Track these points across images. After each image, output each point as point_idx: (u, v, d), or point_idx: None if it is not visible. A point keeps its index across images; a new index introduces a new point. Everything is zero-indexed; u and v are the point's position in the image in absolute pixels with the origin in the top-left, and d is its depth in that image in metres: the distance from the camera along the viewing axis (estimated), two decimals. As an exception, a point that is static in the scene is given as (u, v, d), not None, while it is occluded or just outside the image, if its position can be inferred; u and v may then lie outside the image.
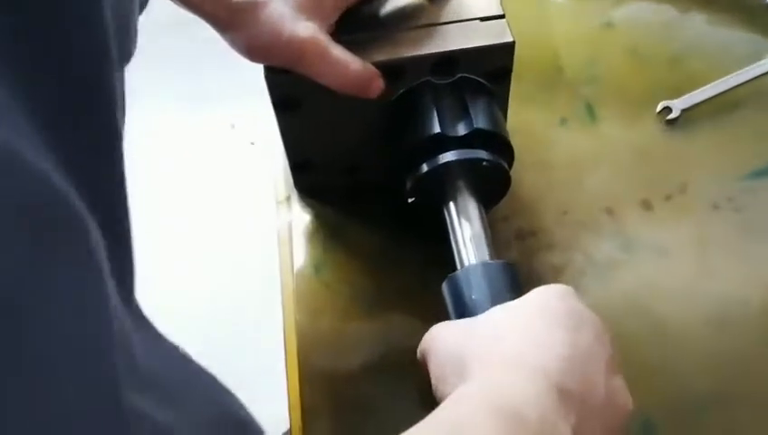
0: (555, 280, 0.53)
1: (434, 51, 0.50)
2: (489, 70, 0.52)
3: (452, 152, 0.49)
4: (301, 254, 0.55)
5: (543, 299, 0.40)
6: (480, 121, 0.50)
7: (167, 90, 1.76)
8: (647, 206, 0.57)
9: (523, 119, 0.62)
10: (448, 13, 0.52)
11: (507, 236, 0.56)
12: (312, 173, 0.58)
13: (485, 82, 0.52)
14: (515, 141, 0.60)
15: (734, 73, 0.62)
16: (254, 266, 1.24)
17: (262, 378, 0.86)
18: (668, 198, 0.58)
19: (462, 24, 0.51)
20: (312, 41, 0.46)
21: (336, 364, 0.50)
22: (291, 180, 0.59)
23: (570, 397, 0.35)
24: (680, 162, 0.59)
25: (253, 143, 1.64)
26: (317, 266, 0.54)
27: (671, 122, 0.61)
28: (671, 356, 0.50)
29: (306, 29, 0.46)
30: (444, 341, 0.40)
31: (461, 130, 0.49)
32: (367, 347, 0.50)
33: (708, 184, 0.58)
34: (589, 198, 0.58)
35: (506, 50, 0.51)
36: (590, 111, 0.63)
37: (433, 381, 0.40)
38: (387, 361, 0.49)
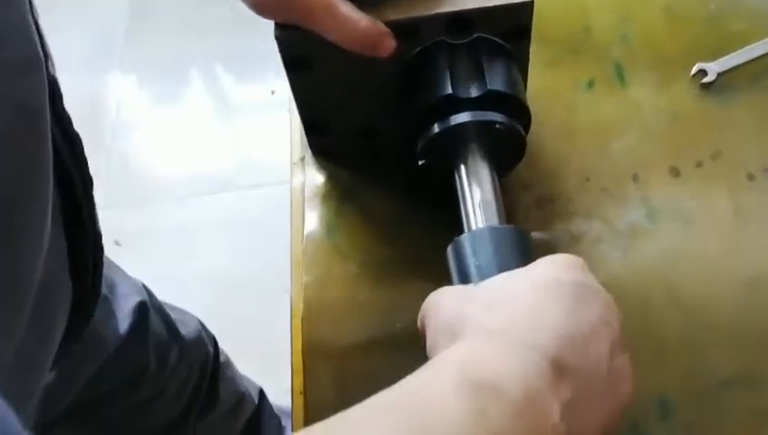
0: (573, 249, 0.52)
1: (449, 10, 0.48)
2: (507, 30, 0.49)
3: (464, 114, 0.47)
4: (313, 216, 0.54)
5: (550, 269, 0.38)
6: (495, 83, 0.48)
7: (211, 57, 1.77)
8: (675, 173, 0.55)
9: (548, 82, 0.59)
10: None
11: (527, 204, 0.54)
12: (327, 135, 0.57)
13: (503, 43, 0.50)
14: (538, 105, 0.58)
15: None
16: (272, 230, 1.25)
17: (270, 344, 0.87)
18: (699, 165, 0.55)
19: (478, -18, 0.49)
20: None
21: (341, 332, 0.49)
22: (306, 142, 0.58)
23: (565, 371, 0.33)
24: (714, 128, 0.56)
25: (289, 110, 1.64)
26: (329, 229, 0.54)
27: (706, 86, 0.58)
28: (693, 333, 0.48)
29: None
30: (440, 307, 0.39)
31: (474, 91, 0.48)
32: (374, 316, 0.49)
33: (743, 152, 0.55)
34: (614, 164, 0.55)
35: (525, 9, 0.48)
36: (620, 74, 0.60)
37: (427, 350, 0.38)
38: (393, 330, 0.48)
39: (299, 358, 0.47)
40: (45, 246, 0.38)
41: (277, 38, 0.49)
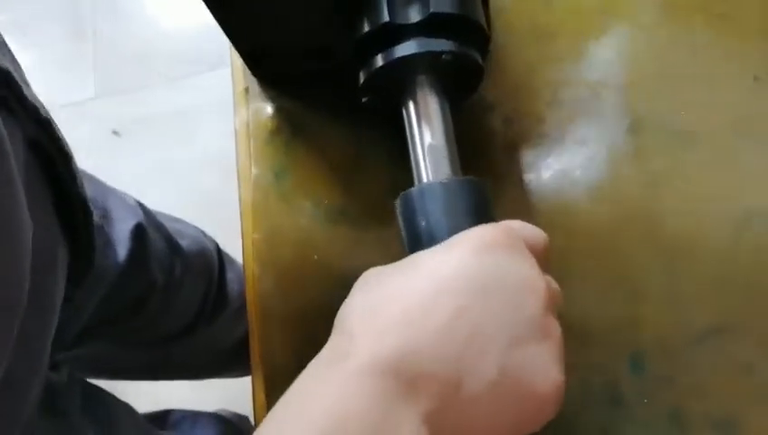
0: (542, 179, 0.47)
1: None
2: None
3: (405, 44, 0.41)
4: (260, 157, 0.50)
5: (458, 251, 0.33)
6: (438, 3, 0.41)
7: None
8: (666, 78, 0.48)
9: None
10: None
11: (490, 127, 0.48)
12: (269, 61, 0.51)
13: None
14: (504, 2, 0.51)
15: None
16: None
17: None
18: (695, 66, 0.47)
19: None
20: None
21: (295, 296, 0.45)
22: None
23: (429, 384, 0.30)
24: (714, 20, 0.48)
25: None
26: (277, 173, 0.49)
27: None
28: (673, 279, 0.43)
29: None
30: (352, 296, 0.35)
31: (414, 15, 0.41)
32: (329, 277, 0.45)
33: (749, 51, 0.47)
34: (594, 68, 0.49)
35: None
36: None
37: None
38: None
39: (255, 324, 0.45)
40: (30, 228, 0.38)
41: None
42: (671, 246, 0.44)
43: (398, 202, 0.40)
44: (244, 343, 0.82)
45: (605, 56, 0.49)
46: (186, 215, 0.88)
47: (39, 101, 0.44)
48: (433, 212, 0.38)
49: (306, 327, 0.45)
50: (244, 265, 0.47)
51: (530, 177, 0.47)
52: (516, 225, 0.35)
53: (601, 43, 0.50)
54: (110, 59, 1.59)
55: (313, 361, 0.32)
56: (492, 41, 0.46)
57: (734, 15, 0.48)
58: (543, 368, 0.31)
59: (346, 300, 0.35)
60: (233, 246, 0.93)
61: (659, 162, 0.46)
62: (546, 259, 0.36)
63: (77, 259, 0.50)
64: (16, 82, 0.41)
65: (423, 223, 0.39)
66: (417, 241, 0.38)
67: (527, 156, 0.47)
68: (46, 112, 0.44)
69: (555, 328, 0.33)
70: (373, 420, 0.28)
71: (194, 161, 1.48)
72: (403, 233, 0.40)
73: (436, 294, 0.32)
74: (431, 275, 0.33)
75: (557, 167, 0.47)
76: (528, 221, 0.37)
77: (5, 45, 0.43)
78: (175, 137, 1.51)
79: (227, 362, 0.97)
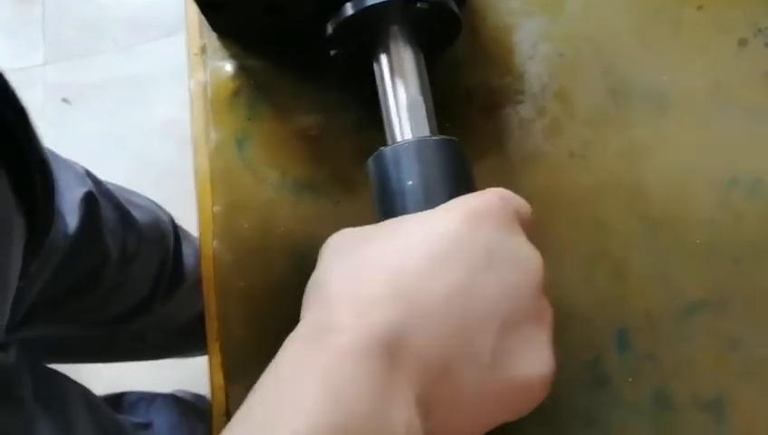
0: (524, 139, 0.44)
1: None
2: None
3: (377, -9, 0.38)
4: (220, 122, 0.46)
5: (451, 222, 0.31)
6: (414, -53, 0.37)
7: None
8: (648, 38, 0.45)
9: None
10: None
11: (467, 86, 0.45)
12: (226, 12, 0.47)
13: None
14: (482, -45, 0.47)
15: None
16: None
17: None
18: (677, 26, 0.45)
19: None
20: None
21: (257, 273, 0.42)
22: (206, 25, 0.48)
23: (421, 363, 0.27)
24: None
25: None
26: (239, 140, 0.45)
27: None
28: (658, 251, 0.41)
29: None
30: (324, 257, 0.32)
31: (388, -42, 0.37)
32: (293, 252, 0.42)
33: (734, 16, 0.45)
34: (573, 26, 0.46)
35: None
36: None
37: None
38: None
39: (212, 301, 0.41)
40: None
41: None
42: (655, 216, 0.42)
43: (370, 162, 0.37)
44: (200, 321, 0.78)
45: (584, 12, 0.46)
46: (139, 186, 0.84)
47: None
48: (408, 172, 0.35)
49: (268, 303, 0.41)
50: (200, 239, 0.43)
51: (510, 138, 0.44)
52: (507, 194, 0.32)
53: (582, 0, 0.46)
54: (60, 23, 1.51)
55: (288, 341, 0.28)
56: (468, -7, 0.43)
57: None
58: (537, 352, 0.29)
59: (318, 267, 0.31)
60: (189, 220, 0.90)
61: (641, 128, 0.43)
62: (532, 233, 0.33)
63: (32, 229, 0.47)
64: None
65: (396, 185, 0.35)
66: (391, 205, 0.35)
67: (506, 115, 0.44)
68: None
69: (547, 309, 0.31)
70: (369, 403, 0.25)
71: (148, 131, 1.42)
72: (374, 198, 0.37)
73: (428, 266, 0.29)
74: (421, 243, 0.30)
75: (538, 127, 0.44)
76: (508, 186, 0.34)
77: None
78: (128, 105, 1.45)
79: (183, 342, 0.94)
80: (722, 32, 0.44)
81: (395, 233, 0.31)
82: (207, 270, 0.42)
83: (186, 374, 1.08)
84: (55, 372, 0.63)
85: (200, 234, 0.43)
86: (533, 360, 0.29)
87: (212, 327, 0.41)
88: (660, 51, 0.44)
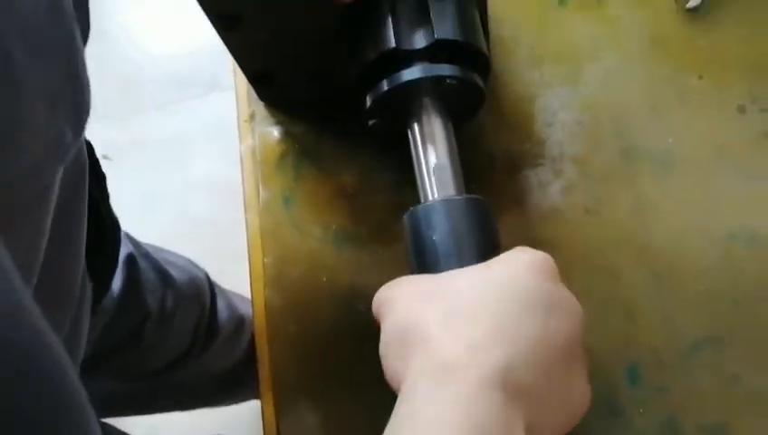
0: (542, 198, 0.48)
1: (387, -55, 0.42)
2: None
3: (411, 69, 0.43)
4: (268, 182, 0.51)
5: (519, 271, 0.35)
6: (442, 30, 0.42)
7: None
8: (656, 106, 0.50)
9: (514, 2, 0.53)
10: None
11: (491, 151, 0.50)
12: (275, 84, 0.52)
13: (454, -25, 0.44)
14: (504, 31, 0.53)
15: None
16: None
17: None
18: (683, 96, 0.50)
19: None
20: None
21: (304, 317, 0.46)
22: (255, 94, 0.53)
23: (525, 395, 0.31)
24: (701, 54, 0.50)
25: (232, 62, 1.54)
26: (286, 198, 0.50)
27: (692, 10, 0.51)
28: (664, 296, 0.45)
29: None
30: (395, 305, 0.36)
31: (419, 42, 0.43)
32: (337, 298, 0.46)
33: (734, 82, 0.49)
34: (587, 96, 0.51)
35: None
36: (595, -14, 0.54)
37: (380, 348, 0.36)
38: (357, 314, 0.45)
39: (264, 346, 0.45)
40: (83, 248, 0.41)
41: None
42: (661, 265, 0.46)
43: (405, 218, 0.41)
44: (234, 373, 0.82)
45: (599, 83, 0.51)
46: (175, 240, 0.88)
47: None
48: (439, 228, 0.40)
49: (316, 347, 0.46)
50: (251, 289, 0.47)
51: (530, 197, 0.48)
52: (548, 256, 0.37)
53: (595, 72, 0.51)
54: (98, 83, 1.59)
55: (408, 385, 0.32)
56: (492, 67, 0.48)
57: (717, 49, 0.50)
58: (583, 383, 0.35)
59: (394, 315, 0.35)
60: (223, 270, 0.94)
61: (648, 186, 0.48)
62: None
63: (96, 287, 0.50)
64: None
65: (429, 239, 0.40)
66: (423, 257, 0.40)
67: (527, 176, 0.49)
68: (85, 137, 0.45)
69: (584, 349, 0.35)
70: (502, 429, 0.30)
71: (183, 186, 1.48)
72: (409, 249, 0.41)
73: (516, 311, 0.33)
74: (507, 290, 0.34)
75: (555, 187, 0.48)
76: (530, 240, 0.39)
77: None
78: (165, 162, 1.52)
79: (217, 392, 0.97)
80: (721, 99, 0.49)
81: (471, 276, 0.36)
82: (260, 317, 0.46)
83: (220, 422, 1.11)
84: (103, 423, 0.67)
85: (251, 284, 0.48)
86: (583, 389, 0.34)
87: (264, 371, 0.45)
88: (667, 116, 0.49)
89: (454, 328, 0.33)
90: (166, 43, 1.63)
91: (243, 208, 0.51)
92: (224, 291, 0.96)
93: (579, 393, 0.34)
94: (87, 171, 0.40)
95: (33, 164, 0.28)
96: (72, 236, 0.40)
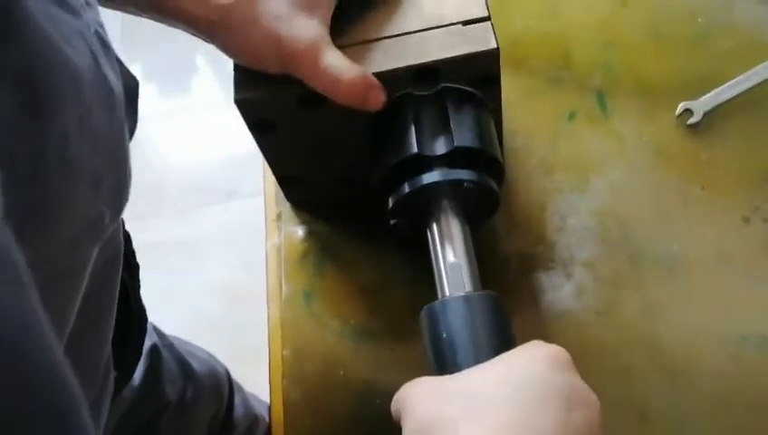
0: (554, 299, 0.50)
1: (411, 63, 0.46)
2: (474, 78, 0.47)
3: (431, 174, 0.46)
4: (290, 279, 0.53)
5: (536, 366, 0.36)
6: (461, 138, 0.46)
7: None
8: (662, 214, 0.52)
9: (528, 115, 0.57)
10: (430, 17, 0.48)
11: (505, 253, 0.52)
12: (302, 187, 0.56)
13: (473, 90, 0.48)
14: (517, 142, 0.56)
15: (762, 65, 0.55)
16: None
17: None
18: (687, 205, 0.52)
19: (443, 29, 0.47)
20: (306, 47, 0.43)
21: (321, 410, 0.47)
22: (282, 195, 0.57)
23: None
24: (703, 166, 0.54)
25: (262, 164, 1.62)
26: (307, 293, 0.52)
27: (692, 126, 0.55)
28: (677, 398, 0.46)
29: (303, 30, 0.43)
30: (415, 404, 0.37)
31: (440, 148, 0.46)
32: (353, 392, 0.48)
33: (736, 193, 0.52)
34: (596, 203, 0.53)
35: (490, 57, 0.46)
36: (602, 103, 0.58)
37: None
38: (373, 408, 0.46)
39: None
40: (110, 334, 0.42)
41: (237, 102, 0.47)
42: (672, 367, 0.47)
43: (422, 314, 0.43)
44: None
45: (606, 191, 0.54)
46: (188, 339, 0.89)
47: None
48: (455, 323, 0.41)
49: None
50: (270, 380, 0.49)
51: (543, 297, 0.50)
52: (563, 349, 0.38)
53: (603, 180, 0.54)
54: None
55: None
56: (505, 175, 0.51)
57: (717, 161, 0.54)
58: None
59: (420, 415, 0.36)
60: (236, 372, 0.95)
61: (656, 290, 0.50)
62: None
63: (119, 376, 0.50)
64: None
65: (446, 333, 0.41)
66: (441, 350, 0.41)
67: (539, 278, 0.51)
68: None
69: None
70: None
71: (199, 289, 1.50)
72: (427, 345, 0.43)
73: (543, 402, 0.34)
74: (529, 388, 0.35)
75: (567, 289, 0.50)
76: (543, 340, 0.40)
77: None
78: (182, 265, 1.55)
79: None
80: (724, 208, 0.51)
81: (491, 377, 0.36)
82: (277, 408, 0.47)
83: None
84: None
85: (270, 375, 0.49)
86: None
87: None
88: (672, 223, 0.52)
89: (480, 421, 0.34)
90: (190, 153, 1.70)
91: (254, 312, 0.53)
92: (241, 388, 0.97)
93: None
94: (122, 255, 0.42)
95: (73, 241, 0.30)
96: (101, 318, 0.41)
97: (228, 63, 0.47)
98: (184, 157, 1.72)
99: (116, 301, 0.43)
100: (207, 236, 1.57)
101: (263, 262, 0.54)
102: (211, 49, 0.45)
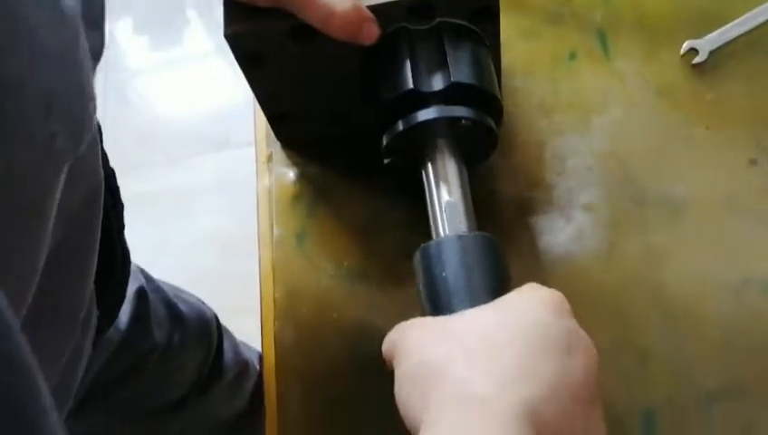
0: (554, 243, 0.49)
1: (405, -6, 0.44)
2: (472, 12, 0.46)
3: (426, 110, 0.44)
4: (282, 221, 0.52)
5: (534, 309, 0.35)
6: (458, 74, 0.44)
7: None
8: (665, 155, 0.51)
9: (526, 55, 0.55)
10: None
11: (502, 196, 0.51)
12: (293, 125, 0.54)
13: (470, 26, 0.46)
14: (515, 83, 0.55)
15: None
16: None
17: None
18: (691, 146, 0.51)
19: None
20: None
21: (313, 353, 0.46)
22: (273, 136, 0.55)
23: (546, 431, 0.31)
24: (708, 106, 0.52)
25: (252, 105, 1.60)
26: (299, 235, 0.51)
27: (697, 65, 0.53)
28: (679, 342, 0.45)
29: None
30: (410, 346, 0.36)
31: (436, 84, 0.44)
32: (346, 336, 0.47)
33: (742, 133, 0.50)
34: (597, 144, 0.52)
35: (489, -10, 0.44)
36: (603, 41, 0.56)
37: (395, 390, 0.36)
38: (366, 352, 0.45)
39: (272, 379, 0.45)
40: (92, 273, 0.41)
41: (227, 36, 0.45)
42: (675, 311, 0.46)
43: (417, 254, 0.42)
44: (239, 419, 0.80)
45: (608, 131, 0.52)
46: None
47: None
48: (450, 263, 0.40)
49: (323, 382, 0.46)
50: (262, 323, 0.48)
51: (541, 241, 0.49)
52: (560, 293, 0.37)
53: (604, 121, 0.53)
54: (117, 135, 1.63)
55: (432, 417, 0.32)
56: (504, 115, 0.49)
57: (723, 102, 0.52)
58: (600, 420, 0.34)
59: (415, 353, 0.35)
60: (226, 322, 0.94)
61: (658, 233, 0.48)
62: None
63: (103, 316, 0.50)
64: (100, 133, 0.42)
65: (440, 275, 0.40)
66: (435, 294, 0.40)
67: (538, 221, 0.50)
68: (110, 165, 0.45)
69: (599, 388, 0.35)
70: None
71: (191, 240, 1.49)
72: (421, 287, 0.41)
73: (539, 349, 0.33)
74: (530, 329, 0.34)
75: (567, 233, 0.49)
76: (540, 283, 0.39)
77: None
78: (172, 216, 1.53)
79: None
80: (730, 149, 0.50)
81: (489, 321, 0.35)
82: (269, 352, 0.46)
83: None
84: None
85: (262, 318, 0.48)
86: (600, 425, 0.34)
87: (271, 407, 0.45)
88: (675, 163, 0.50)
89: (479, 364, 0.33)
90: (182, 105, 1.68)
91: (246, 262, 0.52)
92: (231, 334, 0.96)
93: (599, 429, 0.34)
94: (102, 192, 0.41)
95: (22, 164, 0.28)
96: (81, 257, 0.40)
97: (218, 13, 0.45)
98: (175, 108, 1.70)
99: (98, 241, 0.42)
100: (199, 185, 1.55)
101: (254, 210, 0.53)
102: (201, 1, 0.44)
